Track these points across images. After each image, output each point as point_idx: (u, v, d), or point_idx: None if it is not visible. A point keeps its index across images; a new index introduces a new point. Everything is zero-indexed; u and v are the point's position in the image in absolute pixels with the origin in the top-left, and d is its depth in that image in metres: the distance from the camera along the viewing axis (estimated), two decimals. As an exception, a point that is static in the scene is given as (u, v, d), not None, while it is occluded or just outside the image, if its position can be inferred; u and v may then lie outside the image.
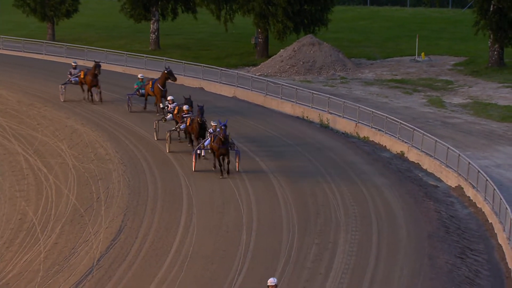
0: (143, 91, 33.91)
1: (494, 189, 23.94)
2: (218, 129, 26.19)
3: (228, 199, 24.75)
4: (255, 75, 41.53)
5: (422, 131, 29.54)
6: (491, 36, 42.52)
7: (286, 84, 37.39)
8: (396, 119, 31.00)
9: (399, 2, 65.03)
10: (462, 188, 26.57)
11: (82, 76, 35.22)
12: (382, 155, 30.19)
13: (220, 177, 26.11)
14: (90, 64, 44.22)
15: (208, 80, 39.96)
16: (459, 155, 27.03)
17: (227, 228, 22.77)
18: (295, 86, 36.75)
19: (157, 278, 19.88)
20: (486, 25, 42.38)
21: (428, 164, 28.74)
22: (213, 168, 26.85)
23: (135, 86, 34.47)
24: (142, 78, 34.56)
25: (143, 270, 20.30)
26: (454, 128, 33.20)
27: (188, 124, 28.46)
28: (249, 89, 38.04)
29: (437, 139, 28.64)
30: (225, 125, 25.97)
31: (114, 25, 56.37)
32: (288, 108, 36.04)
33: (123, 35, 53.35)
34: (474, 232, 23.72)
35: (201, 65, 40.63)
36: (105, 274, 20.08)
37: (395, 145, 30.64)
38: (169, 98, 30.84)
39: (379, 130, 31.55)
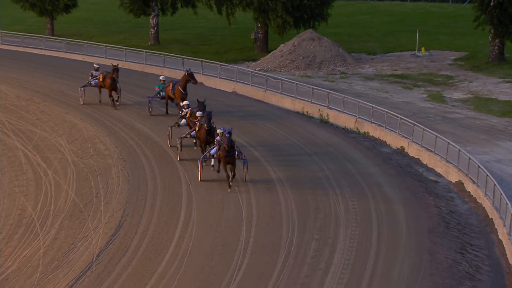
0: (163, 93, 32.53)
1: (495, 184, 23.89)
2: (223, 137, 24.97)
3: (228, 194, 24.69)
4: (255, 70, 41.45)
5: (422, 126, 29.48)
6: (492, 31, 42.46)
7: (286, 79, 37.31)
8: (396, 114, 30.94)
9: (399, -3, 64.96)
10: (463, 183, 26.52)
11: (101, 79, 33.84)
12: (382, 150, 30.13)
13: (228, 190, 24.58)
14: (91, 60, 44.36)
15: (208, 75, 39.88)
16: (460, 150, 26.97)
17: (226, 224, 22.72)
18: (295, 81, 36.67)
19: (157, 273, 19.84)
20: (487, 20, 42.31)
21: (428, 159, 28.68)
22: (217, 172, 25.91)
23: (156, 88, 32.99)
24: (163, 80, 33.05)
25: (143, 266, 20.25)
26: (454, 123, 33.15)
27: (197, 130, 27.17)
28: (248, 84, 37.96)
29: (437, 134, 28.58)
30: (229, 133, 24.64)
31: (113, 20, 56.27)
32: (288, 103, 35.96)
33: (122, 30, 53.26)
34: (475, 228, 23.67)
35: (200, 60, 40.55)
36: (105, 270, 20.03)
37: (395, 140, 30.58)
38: (184, 103, 29.35)
39: (379, 125, 31.50)
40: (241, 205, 23.90)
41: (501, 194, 23.19)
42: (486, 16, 42.18)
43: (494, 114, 34.57)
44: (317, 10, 46.07)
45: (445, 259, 21.02)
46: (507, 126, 32.82)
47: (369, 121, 31.97)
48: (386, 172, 27.31)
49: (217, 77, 39.41)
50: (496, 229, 23.31)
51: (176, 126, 28.62)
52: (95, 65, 35.33)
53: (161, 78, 33.53)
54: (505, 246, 22.20)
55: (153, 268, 20.08)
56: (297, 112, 35.08)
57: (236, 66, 40.21)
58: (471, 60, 44.17)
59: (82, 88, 34.47)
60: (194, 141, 28.03)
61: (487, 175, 24.66)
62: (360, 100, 33.15)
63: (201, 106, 28.02)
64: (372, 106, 32.14)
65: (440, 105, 36.11)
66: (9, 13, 56.77)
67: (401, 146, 30.22)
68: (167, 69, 41.53)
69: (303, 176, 26.47)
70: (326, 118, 33.79)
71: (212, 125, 26.60)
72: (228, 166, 24.71)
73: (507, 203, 22.51)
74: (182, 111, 28.95)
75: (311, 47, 43.99)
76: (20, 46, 47.28)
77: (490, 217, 24.10)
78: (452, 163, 27.32)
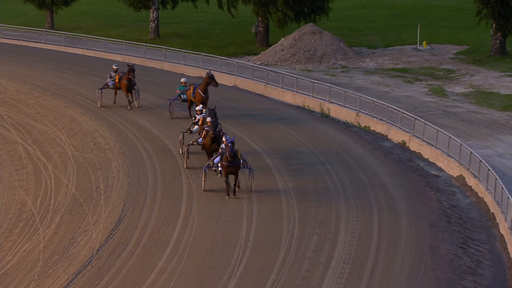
0: (185, 96, 31.13)
1: (496, 179, 23.83)
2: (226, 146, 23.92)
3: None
4: (256, 64, 41.34)
5: (423, 120, 29.39)
6: (493, 25, 42.33)
7: (287, 73, 37.21)
8: (398, 108, 30.86)
9: (400, -9, 64.71)
10: (464, 178, 26.45)
11: (117, 81, 32.34)
12: (383, 144, 30.05)
13: (227, 197, 23.73)
14: (91, 54, 44.25)
15: (208, 69, 39.70)
16: (461, 144, 26.90)
17: (227, 218, 22.66)
18: (295, 75, 36.57)
19: (157, 268, 19.78)
20: (488, 14, 42.17)
21: (429, 153, 28.60)
22: (218, 175, 25.00)
23: (178, 91, 31.62)
24: (185, 82, 31.63)
25: (143, 260, 20.19)
26: (455, 117, 33.07)
27: (203, 136, 26.09)
28: (249, 78, 37.86)
29: (438, 128, 28.50)
30: (232, 142, 23.68)
31: (114, 14, 56.13)
32: (288, 97, 35.87)
33: (122, 23, 53.13)
34: (476, 222, 23.61)
35: (201, 54, 40.44)
36: (105, 264, 19.98)
37: (396, 135, 30.50)
38: (197, 108, 27.82)
39: (380, 119, 31.41)
40: (241, 199, 23.82)
41: (503, 188, 23.13)
42: (488, 10, 42.05)
43: (495, 108, 34.48)
44: (318, 4, 45.93)
45: (447, 253, 20.96)
46: (508, 120, 32.74)
47: (370, 115, 31.88)
48: (387, 167, 27.23)
49: (217, 71, 39.26)
50: (498, 223, 23.25)
51: (188, 133, 27.38)
52: (114, 67, 33.21)
53: (182, 80, 32.00)
54: (506, 240, 22.14)
55: (153, 263, 20.03)
56: (298, 106, 34.99)
57: (236, 60, 40.10)
58: (473, 54, 44.05)
59: (99, 90, 32.92)
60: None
61: (489, 169, 24.59)
62: (361, 94, 33.05)
63: (212, 113, 26.56)
64: (373, 100, 32.05)
65: (441, 99, 36.02)
66: (9, 6, 56.64)
67: (402, 140, 30.14)
68: (167, 63, 41.44)
69: (303, 169, 26.37)
70: (327, 112, 33.70)
71: (219, 132, 25.59)
72: (231, 177, 23.78)
73: (508, 198, 22.45)
74: (195, 117, 27.64)
75: (312, 41, 43.88)
76: (19, 39, 47.16)
77: (491, 211, 24.04)
78: (453, 157, 27.24)
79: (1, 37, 47.76)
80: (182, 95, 31.39)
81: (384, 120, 31.17)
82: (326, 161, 27.42)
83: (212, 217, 22.69)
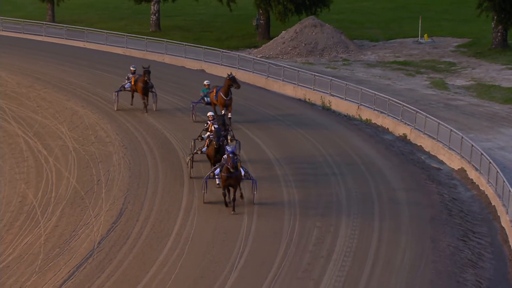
0: (208, 99, 29.94)
1: (497, 171, 23.82)
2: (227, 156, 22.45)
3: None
4: (257, 57, 41.29)
5: (424, 113, 29.36)
6: (495, 17, 42.24)
7: (288, 66, 37.16)
8: (399, 101, 30.83)
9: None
10: (465, 171, 26.43)
11: (133, 83, 31.12)
12: (385, 137, 30.03)
13: (232, 212, 22.29)
14: (91, 46, 44.19)
15: (209, 62, 39.72)
16: (462, 137, 26.87)
17: (228, 211, 22.64)
18: (297, 68, 36.52)
19: (158, 261, 19.79)
20: (489, 7, 42.08)
21: (430, 146, 28.58)
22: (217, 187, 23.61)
23: (201, 94, 30.42)
24: (208, 85, 30.35)
25: (144, 253, 20.20)
26: (457, 110, 33.03)
27: (206, 145, 24.79)
28: (250, 71, 37.81)
29: (440, 121, 28.47)
30: (233, 152, 22.35)
31: (115, 6, 56.04)
32: (289, 90, 35.83)
33: (123, 16, 53.06)
34: (477, 215, 23.61)
35: (202, 47, 40.38)
36: (106, 257, 19.99)
37: (397, 128, 30.47)
38: (209, 114, 26.14)
39: (382, 112, 31.38)
40: (243, 192, 23.79)
41: (504, 181, 23.12)
42: (489, 3, 41.96)
43: (497, 101, 34.45)
44: (319, -4, 45.87)
45: (448, 246, 20.96)
46: (510, 113, 32.71)
47: (371, 108, 31.84)
48: (388, 160, 27.21)
49: (218, 64, 39.25)
50: (499, 216, 23.25)
51: (199, 140, 25.88)
52: (131, 68, 31.69)
53: (205, 82, 30.61)
54: (507, 233, 22.14)
55: (154, 256, 20.04)
56: (299, 99, 34.95)
57: (237, 53, 40.05)
58: (474, 46, 43.98)
59: (116, 93, 31.53)
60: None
61: (490, 162, 24.58)
62: (362, 87, 33.01)
63: (220, 120, 25.49)
64: (375, 93, 32.01)
65: (442, 92, 35.98)
66: (10, -1, 56.61)
67: (403, 133, 30.11)
68: (169, 56, 41.40)
69: (304, 162, 26.36)
70: (328, 105, 33.67)
71: (223, 141, 24.21)
72: (230, 189, 22.43)
73: (509, 190, 22.44)
74: (207, 123, 25.95)
75: (313, 33, 43.80)
76: (20, 32, 47.11)
77: (492, 204, 24.03)
78: (454, 150, 27.21)
79: (2, 30, 47.70)
80: (205, 98, 30.16)
81: (385, 113, 31.13)
82: (327, 154, 27.38)
83: (213, 210, 22.67)
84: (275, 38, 44.66)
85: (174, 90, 34.11)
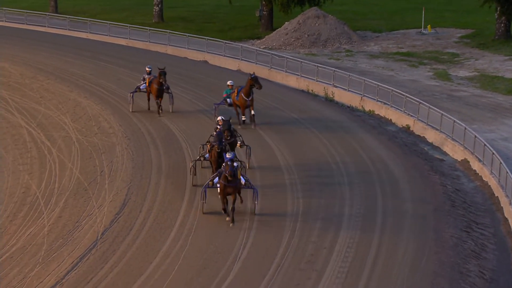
0: (230, 100, 28.78)
1: (501, 163, 23.80)
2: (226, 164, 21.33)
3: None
4: (260, 48, 41.23)
5: (428, 104, 29.32)
6: (498, 8, 42.11)
7: (291, 57, 37.11)
8: (402, 93, 30.78)
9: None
10: (468, 162, 26.41)
11: (147, 84, 29.84)
12: (388, 128, 30.00)
13: (231, 224, 21.15)
14: (95, 37, 44.14)
15: (212, 53, 39.68)
16: (465, 128, 26.84)
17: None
18: (300, 59, 36.47)
19: (161, 252, 19.82)
20: (493, -3, 41.97)
21: (434, 137, 28.55)
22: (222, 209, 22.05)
23: (224, 95, 29.19)
24: (231, 85, 28.96)
25: (147, 244, 20.23)
26: (460, 101, 32.98)
27: (208, 150, 23.84)
28: (253, 62, 37.76)
29: (443, 112, 28.44)
30: (231, 160, 21.30)
31: (117, -2, 55.98)
32: (292, 81, 35.79)
33: (126, 7, 52.98)
34: (480, 206, 23.60)
35: (204, 38, 40.33)
36: (109, 248, 20.03)
37: (400, 119, 30.43)
38: (218, 118, 25.14)
39: (385, 103, 31.34)
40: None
41: (507, 172, 23.10)
42: (492, -6, 41.86)
43: (500, 92, 34.38)
44: (322, -13, 45.77)
45: (451, 237, 20.96)
46: (513, 104, 32.67)
47: (375, 99, 31.81)
48: (392, 151, 27.20)
49: (221, 55, 39.20)
50: (502, 207, 23.24)
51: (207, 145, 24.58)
52: (147, 68, 30.38)
53: (228, 83, 29.25)
54: (510, 224, 22.14)
55: (157, 247, 20.07)
56: (302, 91, 34.91)
57: (240, 44, 39.99)
58: (477, 37, 43.86)
59: (131, 94, 30.38)
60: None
61: (493, 153, 24.55)
62: (365, 78, 32.97)
63: (226, 124, 24.37)
64: (378, 84, 31.97)
65: (446, 83, 35.91)
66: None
67: (406, 125, 30.08)
68: (171, 47, 41.35)
69: (307, 152, 26.36)
70: (331, 96, 33.63)
71: (225, 146, 23.20)
72: (229, 197, 21.35)
73: (513, 182, 22.42)
74: (217, 127, 24.89)
75: (316, 24, 43.72)
76: (23, 23, 47.07)
77: (495, 195, 24.02)
78: (457, 141, 27.19)
79: (5, 21, 47.64)
80: (228, 99, 28.95)
81: (388, 104, 31.09)
82: (330, 144, 27.36)
83: (216, 201, 22.67)
84: (278, 29, 44.59)
85: (177, 81, 34.02)
